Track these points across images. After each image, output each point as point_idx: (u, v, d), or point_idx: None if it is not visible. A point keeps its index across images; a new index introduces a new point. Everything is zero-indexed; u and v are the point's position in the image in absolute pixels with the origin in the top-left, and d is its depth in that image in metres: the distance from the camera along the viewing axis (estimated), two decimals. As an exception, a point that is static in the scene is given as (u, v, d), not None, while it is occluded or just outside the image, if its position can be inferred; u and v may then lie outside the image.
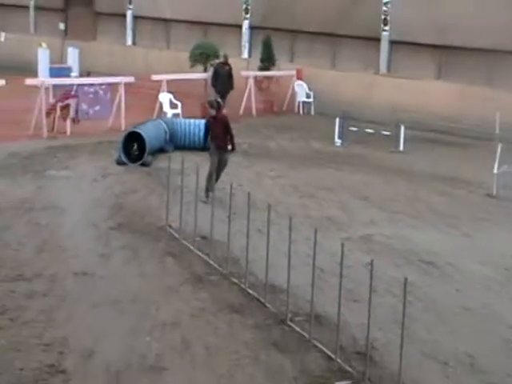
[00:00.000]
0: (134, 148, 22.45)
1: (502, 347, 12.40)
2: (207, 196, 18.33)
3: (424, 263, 15.84)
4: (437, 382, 11.05)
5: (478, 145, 27.75)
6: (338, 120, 27.86)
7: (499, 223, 19.30)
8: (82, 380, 10.47)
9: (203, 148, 23.92)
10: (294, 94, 34.29)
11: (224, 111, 20.08)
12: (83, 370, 10.73)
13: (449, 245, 17.13)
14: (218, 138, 19.40)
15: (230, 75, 30.49)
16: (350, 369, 11.09)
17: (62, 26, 43.81)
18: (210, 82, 30.89)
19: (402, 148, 27.00)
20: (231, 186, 14.88)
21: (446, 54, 33.46)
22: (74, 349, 11.30)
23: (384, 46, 34.74)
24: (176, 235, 16.31)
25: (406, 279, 10.55)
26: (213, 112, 19.50)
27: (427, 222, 18.94)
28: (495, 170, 21.71)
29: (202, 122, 25.43)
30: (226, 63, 30.71)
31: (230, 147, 19.60)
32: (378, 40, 34.73)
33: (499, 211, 20.36)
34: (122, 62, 39.18)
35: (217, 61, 31.34)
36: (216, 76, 30.55)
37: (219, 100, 20.63)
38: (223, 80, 30.19)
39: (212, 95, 29.99)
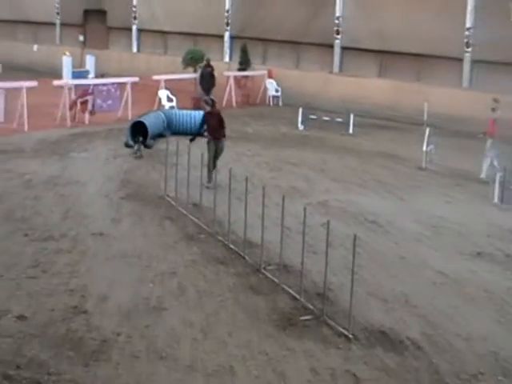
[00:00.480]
0: (139, 140, 21.48)
1: (429, 287, 12.42)
2: (209, 181, 17.31)
3: (369, 222, 15.83)
4: (379, 315, 11.04)
5: (410, 129, 27.69)
6: (300, 110, 27.76)
7: (428, 190, 19.31)
8: (99, 318, 10.43)
9: (194, 134, 23.84)
10: (265, 90, 34.20)
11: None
12: (100, 310, 10.71)
13: (389, 207, 17.12)
14: (213, 129, 18.35)
15: (212, 75, 30.32)
16: (311, 306, 11.09)
17: (81, 38, 43.57)
18: (198, 81, 30.72)
19: (351, 131, 26.95)
20: (216, 163, 14.80)
21: (385, 57, 33.41)
22: (93, 294, 11.26)
23: (337, 51, 34.68)
24: (173, 203, 16.23)
25: (355, 235, 10.54)
26: (208, 108, 18.58)
27: (372, 190, 18.91)
28: (424, 149, 21.71)
29: (194, 112, 25.46)
30: (208, 65, 30.53)
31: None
32: (331, 46, 34.69)
33: (427, 181, 20.37)
34: (129, 65, 38.89)
35: (201, 64, 31.13)
36: (201, 76, 30.40)
37: (213, 98, 19.85)
38: (207, 79, 30.04)
39: (199, 92, 29.98)
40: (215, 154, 18.23)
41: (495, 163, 20.49)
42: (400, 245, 14.57)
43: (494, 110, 20.95)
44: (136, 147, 20.90)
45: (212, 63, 31.18)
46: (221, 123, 18.44)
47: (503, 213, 17.39)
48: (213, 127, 18.44)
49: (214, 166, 17.70)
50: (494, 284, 12.74)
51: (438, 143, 22.75)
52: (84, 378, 8.78)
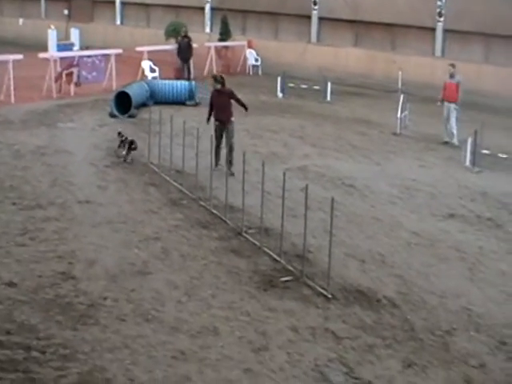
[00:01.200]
0: (126, 142, 17.14)
1: (404, 247, 12.40)
2: (216, 164, 15.57)
3: (346, 186, 15.75)
4: (356, 275, 11.01)
5: (385, 96, 27.49)
6: (279, 78, 27.50)
7: (401, 154, 19.23)
8: (86, 283, 10.35)
9: (176, 103, 23.79)
10: (245, 60, 33.89)
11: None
12: (87, 275, 10.62)
13: (365, 171, 17.03)
14: (222, 110, 15.86)
15: (189, 45, 29.90)
16: (291, 268, 11.05)
17: (66, 11, 42.93)
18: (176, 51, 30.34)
19: (328, 99, 26.75)
20: (197, 131, 14.63)
21: (360, 27, 33.13)
22: (80, 259, 11.16)
23: (314, 21, 34.34)
24: (156, 170, 16.05)
25: (332, 198, 10.47)
26: (218, 86, 16.10)
27: (348, 155, 18.80)
28: (398, 115, 21.59)
29: (176, 82, 25.26)
30: (185, 36, 30.10)
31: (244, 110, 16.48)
32: (309, 17, 34.38)
33: (401, 146, 20.27)
34: (113, 38, 38.30)
35: (180, 35, 30.76)
36: (179, 47, 30.00)
37: (222, 75, 16.89)
38: (184, 49, 29.63)
39: (178, 63, 29.63)
40: (226, 140, 15.94)
41: (454, 129, 20.47)
42: (376, 207, 14.50)
43: (451, 75, 20.81)
44: (124, 152, 16.94)
45: (193, 35, 30.78)
46: (233, 100, 16.14)
47: (475, 175, 17.34)
48: (221, 107, 15.99)
49: (231, 151, 15.78)
50: (466, 244, 12.72)
51: (411, 109, 22.66)
52: (72, 341, 8.69)
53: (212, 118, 16.21)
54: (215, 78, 16.36)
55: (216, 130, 15.83)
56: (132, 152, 16.80)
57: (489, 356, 8.91)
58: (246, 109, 16.30)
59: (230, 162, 15.41)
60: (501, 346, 9.17)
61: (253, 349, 8.75)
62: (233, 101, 16.21)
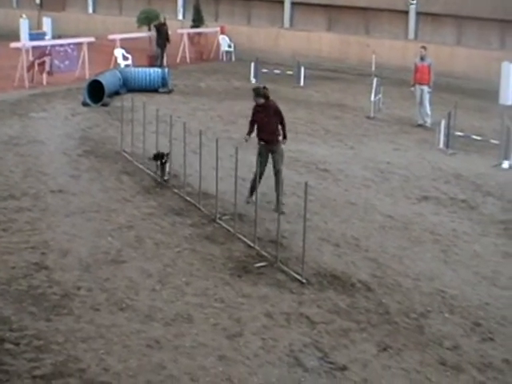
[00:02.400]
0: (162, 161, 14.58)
1: (378, 231, 12.38)
2: (250, 196, 12.97)
3: (320, 170, 15.72)
4: (331, 260, 10.97)
5: (358, 80, 27.56)
6: (252, 64, 27.39)
7: (375, 138, 19.23)
8: (60, 273, 10.23)
9: (149, 90, 23.61)
10: (218, 46, 33.75)
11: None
12: (61, 265, 10.50)
13: (338, 156, 17.00)
14: (266, 129, 12.98)
15: (167, 33, 29.77)
16: (265, 253, 10.99)
17: (37, 1, 42.46)
18: (154, 40, 30.11)
19: (302, 84, 26.69)
20: (171, 118, 14.50)
21: (333, 12, 33.08)
22: (53, 249, 11.04)
23: (287, 6, 34.29)
24: (130, 158, 15.91)
25: (306, 183, 10.42)
26: (260, 100, 13.03)
27: (322, 139, 18.77)
28: (372, 98, 21.57)
29: (149, 69, 25.07)
30: (164, 24, 29.95)
31: (281, 138, 13.23)
32: (282, 2, 34.29)
33: (375, 129, 20.28)
34: (85, 26, 37.97)
35: (156, 22, 30.53)
36: (158, 34, 29.80)
37: (266, 86, 13.51)
38: (164, 37, 29.50)
39: (155, 50, 29.45)
40: (273, 166, 13.14)
41: (428, 111, 20.51)
42: (350, 191, 14.48)
43: (422, 58, 20.82)
44: (159, 169, 14.60)
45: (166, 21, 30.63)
46: (278, 119, 13.10)
47: (448, 158, 17.37)
48: (265, 126, 13.06)
49: (278, 182, 12.85)
50: (440, 226, 12.72)
51: (385, 93, 22.66)
52: (46, 332, 8.58)
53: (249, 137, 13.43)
54: (257, 92, 13.16)
55: (261, 153, 12.93)
56: (167, 167, 14.42)
57: (463, 338, 8.91)
58: (284, 137, 13.24)
59: (278, 197, 12.74)
60: (475, 327, 9.18)
61: (227, 335, 8.69)
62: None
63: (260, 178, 12.30)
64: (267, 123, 13.01)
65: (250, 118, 13.33)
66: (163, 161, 14.34)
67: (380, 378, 7.97)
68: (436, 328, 9.09)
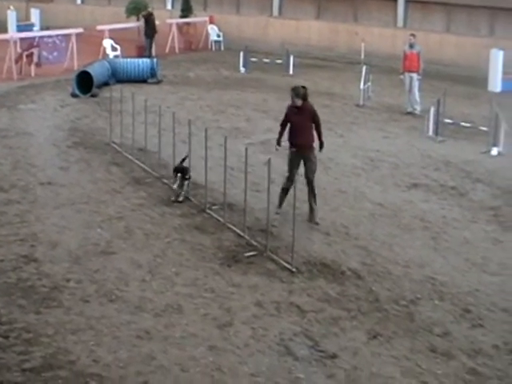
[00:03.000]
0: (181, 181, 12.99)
1: (368, 219, 12.38)
2: (279, 206, 12.02)
3: (310, 159, 15.66)
4: (321, 248, 10.96)
5: (348, 68, 27.50)
6: (241, 53, 27.27)
7: (365, 126, 19.20)
8: (49, 265, 10.20)
9: (138, 81, 23.52)
10: (207, 35, 33.58)
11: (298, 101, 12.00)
12: (50, 257, 10.47)
13: (328, 144, 16.58)
14: (300, 133, 11.82)
15: (153, 23, 29.63)
16: (255, 243, 10.97)
17: (26, -9, 42.22)
18: (143, 30, 29.96)
19: (291, 72, 26.59)
20: (159, 108, 14.43)
21: (322, 0, 32.98)
22: (43, 242, 11.00)
23: (275, -5, 34.24)
24: (119, 149, 15.84)
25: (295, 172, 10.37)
26: (298, 101, 11.86)
27: (312, 128, 18.70)
28: (361, 87, 21.52)
29: (138, 60, 24.96)
30: (152, 14, 29.81)
31: (318, 145, 12.17)
32: (270, -10, 34.22)
33: (365, 117, 20.24)
34: (74, 17, 37.76)
35: (144, 12, 30.36)
36: (147, 25, 29.64)
37: (305, 86, 12.25)
38: (152, 27, 29.36)
39: (144, 40, 29.30)
40: (305, 174, 12.04)
41: (417, 98, 20.50)
42: (340, 179, 14.47)
43: (411, 45, 20.79)
44: (175, 186, 13.03)
45: (154, 12, 30.43)
46: (313, 123, 11.95)
47: (438, 145, 17.35)
48: (299, 129, 11.90)
49: (313, 192, 12.09)
50: (430, 213, 12.72)
51: (374, 81, 22.61)
52: (36, 325, 8.56)
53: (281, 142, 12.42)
54: (296, 91, 11.97)
55: (292, 159, 11.98)
56: (187, 184, 13.00)
57: (453, 324, 8.92)
58: (321, 145, 12.22)
59: (312, 207, 12.09)
60: (465, 313, 9.19)
61: (217, 325, 8.67)
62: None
63: (290, 187, 11.62)
64: (302, 127, 11.84)
65: (281, 119, 12.19)
66: (186, 177, 12.94)
67: (370, 366, 7.97)
68: (426, 315, 9.10)
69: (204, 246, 10.91)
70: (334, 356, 8.10)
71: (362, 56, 25.46)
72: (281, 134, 12.27)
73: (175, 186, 12.97)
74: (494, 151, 16.59)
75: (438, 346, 8.38)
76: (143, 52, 28.74)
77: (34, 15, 36.38)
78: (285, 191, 11.98)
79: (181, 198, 12.79)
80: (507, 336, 8.69)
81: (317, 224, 11.83)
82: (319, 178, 14.32)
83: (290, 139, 12.00)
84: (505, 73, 25.10)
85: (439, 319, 9.01)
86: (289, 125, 12.05)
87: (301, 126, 11.85)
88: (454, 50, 28.63)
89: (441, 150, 16.83)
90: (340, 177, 14.61)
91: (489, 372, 7.93)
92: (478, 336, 8.67)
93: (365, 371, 7.87)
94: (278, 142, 12.33)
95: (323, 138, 12.20)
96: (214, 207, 12.36)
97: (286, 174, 11.89)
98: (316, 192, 12.18)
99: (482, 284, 10.01)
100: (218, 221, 11.85)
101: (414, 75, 20.60)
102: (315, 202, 12.11)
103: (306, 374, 7.75)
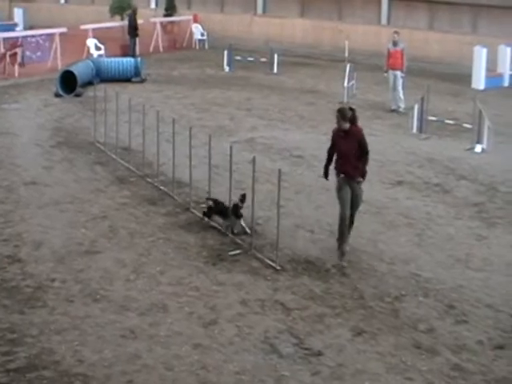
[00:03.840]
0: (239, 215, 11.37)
1: (353, 216, 12.35)
2: (342, 254, 10.48)
3: (294, 157, 15.69)
4: (305, 246, 10.97)
5: (332, 66, 27.49)
6: (226, 52, 27.23)
7: (350, 123, 19.18)
8: (33, 265, 10.18)
9: (122, 80, 23.48)
10: (191, 34, 33.54)
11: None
12: (34, 257, 10.45)
13: (312, 142, 16.93)
14: (347, 161, 10.48)
15: (135, 22, 29.52)
16: (239, 241, 10.96)
17: (8, -9, 42.03)
18: (126, 29, 29.86)
19: (275, 71, 26.57)
20: (144, 107, 14.41)
21: (307, -2, 33.09)
22: (27, 242, 10.97)
23: (260, -7, 34.25)
24: (103, 148, 15.80)
25: (279, 170, 10.44)
26: (345, 125, 10.55)
27: (296, 126, 18.73)
28: (345, 84, 21.53)
29: (121, 59, 25.01)
30: (135, 13, 29.70)
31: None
32: (254, -11, 34.23)
33: (349, 114, 20.22)
34: (58, 17, 37.63)
35: (129, 11, 30.27)
36: (130, 23, 29.53)
37: (353, 108, 11.07)
38: (135, 26, 29.26)
39: (127, 39, 29.19)
40: (351, 204, 10.64)
41: (401, 95, 20.54)
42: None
43: (395, 43, 20.83)
44: (227, 225, 11.42)
45: (138, 10, 30.34)
46: (360, 149, 10.61)
47: (422, 142, 17.38)
48: (346, 156, 10.54)
49: (352, 223, 10.83)
50: (415, 210, 12.75)
51: (358, 78, 22.63)
52: (20, 325, 8.53)
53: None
54: (342, 113, 10.70)
55: (342, 188, 10.57)
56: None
57: (437, 320, 8.94)
58: (363, 175, 10.76)
59: (346, 241, 10.70)
60: (449, 309, 9.21)
61: (202, 324, 8.67)
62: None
63: (347, 220, 10.49)
64: (350, 154, 10.49)
65: (329, 146, 10.93)
66: (238, 215, 11.30)
67: (355, 363, 7.97)
68: (411, 311, 9.12)
69: (188, 245, 10.90)
70: (318, 353, 8.10)
71: (346, 54, 25.44)
72: (329, 162, 10.87)
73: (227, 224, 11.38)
74: (478, 148, 16.64)
75: (422, 342, 8.40)
76: (127, 51, 28.64)
77: (18, 15, 36.25)
78: (343, 227, 10.48)
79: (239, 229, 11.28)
80: (491, 331, 8.72)
81: (343, 266, 10.30)
82: (304, 175, 14.42)
83: (338, 167, 10.66)
84: (488, 70, 25.22)
85: (424, 315, 9.03)
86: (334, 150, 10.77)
87: (349, 152, 10.48)
88: (438, 48, 28.72)
89: (425, 147, 16.86)
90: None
91: (473, 368, 7.95)
92: (462, 332, 8.70)
93: (350, 368, 7.88)
94: (326, 174, 10.96)
95: (367, 167, 10.81)
96: (199, 206, 12.33)
97: (341, 206, 10.53)
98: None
99: (466, 280, 10.04)
100: (203, 219, 11.83)
101: (398, 73, 20.63)
102: (349, 233, 10.84)
103: (290, 371, 7.75)
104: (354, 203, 10.68)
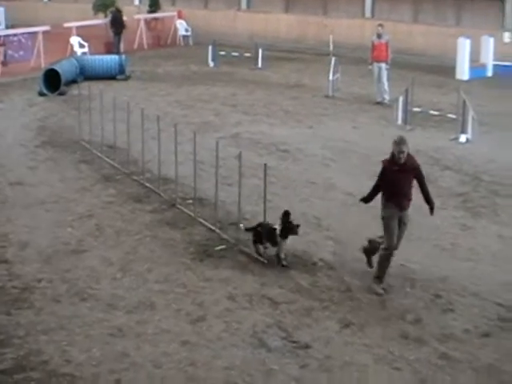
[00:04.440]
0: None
1: (339, 209, 12.44)
2: (380, 286, 9.49)
3: (280, 151, 15.71)
4: (292, 240, 10.76)
5: (317, 60, 27.49)
6: (210, 47, 27.20)
7: (334, 117, 19.25)
8: (20, 266, 10.15)
9: (107, 77, 23.40)
10: (176, 30, 33.46)
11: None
12: (21, 258, 10.42)
13: (298, 136, 16.98)
14: (401, 194, 9.60)
15: (122, 18, 29.45)
16: (226, 236, 10.96)
17: (-11, -10, 41.75)
18: (109, 26, 29.76)
19: (260, 66, 26.56)
20: (128, 105, 14.37)
21: (291, -7, 33.08)
22: (13, 242, 10.94)
23: (243, -12, 34.19)
24: (88, 146, 15.75)
25: (265, 164, 10.47)
26: (401, 158, 9.52)
27: (281, 120, 18.73)
28: (330, 78, 21.56)
29: (105, 56, 24.97)
30: (119, 10, 29.63)
31: (429, 207, 9.96)
32: (238, -16, 34.18)
33: (334, 108, 20.28)
34: (42, 15, 37.42)
35: (112, 9, 30.18)
36: (114, 21, 29.42)
37: (405, 139, 9.77)
38: (120, 23, 29.17)
39: (112, 36, 29.11)
40: (398, 231, 9.70)
41: (386, 87, 20.59)
42: (310, 171, 14.49)
43: (379, 35, 20.88)
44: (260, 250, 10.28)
45: (122, 8, 30.29)
46: (418, 182, 9.77)
47: (406, 133, 17.35)
48: (400, 190, 9.62)
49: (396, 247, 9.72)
50: (400, 201, 12.74)
51: (343, 72, 22.65)
52: (7, 326, 8.51)
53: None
54: (401, 146, 9.55)
55: (391, 218, 9.63)
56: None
57: (424, 310, 8.99)
58: (431, 208, 10.01)
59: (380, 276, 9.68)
60: (435, 299, 9.27)
61: (190, 320, 8.67)
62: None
63: (392, 252, 9.62)
64: (402, 186, 9.61)
65: (376, 181, 9.97)
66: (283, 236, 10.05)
67: (343, 355, 8.01)
68: (398, 302, 9.17)
69: (175, 242, 10.90)
70: (306, 346, 8.13)
71: (331, 47, 25.48)
72: (374, 193, 10.03)
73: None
74: (463, 138, 16.71)
75: (409, 333, 8.45)
76: (111, 49, 28.56)
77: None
78: (388, 258, 9.62)
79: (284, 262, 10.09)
80: (477, 320, 8.79)
81: (378, 290, 9.51)
82: (290, 169, 14.44)
83: (388, 198, 9.65)
84: (472, 61, 25.31)
85: (411, 306, 9.08)
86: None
87: (401, 185, 9.59)
88: (422, 40, 28.80)
89: (410, 138, 16.54)
90: (310, 168, 14.63)
91: (460, 356, 8.02)
92: (448, 321, 8.76)
93: (338, 360, 7.91)
94: (367, 200, 10.15)
95: (432, 197, 9.99)
96: (185, 202, 12.33)
97: (385, 242, 9.62)
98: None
99: (451, 270, 10.09)
100: (190, 216, 11.83)
101: (383, 65, 20.68)
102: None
103: (279, 365, 7.77)
104: (402, 229, 9.75)
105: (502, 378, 7.74)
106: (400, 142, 9.56)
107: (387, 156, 9.56)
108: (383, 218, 9.70)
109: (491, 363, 7.93)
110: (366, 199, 10.12)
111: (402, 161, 9.52)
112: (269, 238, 10.10)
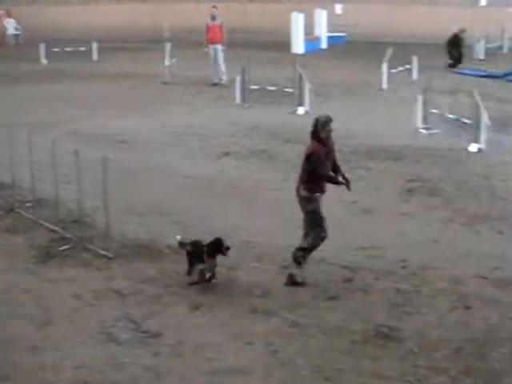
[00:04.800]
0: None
1: (181, 193, 12.46)
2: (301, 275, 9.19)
3: (118, 142, 15.57)
4: (136, 230, 10.89)
5: (152, 47, 27.37)
6: (42, 45, 26.55)
7: (172, 102, 19.28)
8: None
9: None
10: (4, 30, 32.44)
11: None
12: None
13: (136, 126, 16.88)
14: (324, 178, 9.10)
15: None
16: (69, 235, 10.73)
17: None
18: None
19: (96, 58, 26.19)
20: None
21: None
22: None
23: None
24: None
25: (103, 157, 10.29)
26: (330, 140, 9.08)
27: (119, 111, 18.57)
28: (166, 63, 21.51)
29: None
30: None
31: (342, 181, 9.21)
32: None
33: (172, 93, 20.33)
34: None
35: None
36: None
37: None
38: None
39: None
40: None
41: (223, 68, 20.80)
42: (150, 158, 14.43)
43: (213, 17, 21.07)
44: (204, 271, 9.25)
45: None
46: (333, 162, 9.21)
47: (245, 111, 17.67)
48: (327, 171, 9.08)
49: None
50: (242, 179, 12.95)
51: (180, 56, 22.65)
52: None
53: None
54: (327, 125, 9.04)
55: (320, 209, 9.20)
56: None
57: (272, 282, 9.13)
58: (348, 183, 9.28)
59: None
60: (282, 270, 9.41)
61: (37, 325, 8.42)
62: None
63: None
64: (329, 168, 9.11)
65: (318, 172, 9.03)
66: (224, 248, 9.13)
67: (194, 337, 8.01)
68: (245, 278, 9.26)
69: (16, 247, 10.54)
70: (157, 334, 8.08)
71: (166, 34, 25.46)
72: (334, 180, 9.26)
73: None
74: (301, 110, 17.09)
75: (258, 306, 8.54)
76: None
77: None
78: (315, 248, 9.27)
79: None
80: (325, 285, 9.01)
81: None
82: (129, 159, 14.29)
83: (318, 184, 9.09)
84: (306, 34, 25.90)
85: (258, 280, 9.19)
86: (308, 170, 9.10)
87: (328, 166, 9.10)
88: (257, 18, 29.25)
89: (248, 116, 17.14)
90: (149, 156, 14.56)
91: (309, 321, 8.19)
92: (296, 291, 8.93)
93: (190, 343, 7.91)
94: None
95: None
96: (27, 205, 11.97)
97: (321, 229, 9.14)
98: None
99: (296, 239, 10.26)
100: (30, 219, 11.49)
101: (218, 46, 20.87)
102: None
103: (130, 357, 7.68)
104: None
105: (352, 338, 7.98)
106: (329, 120, 9.00)
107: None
108: (313, 212, 9.06)
109: (339, 325, 8.14)
110: (338, 182, 9.26)
111: (329, 141, 8.97)
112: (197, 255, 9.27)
